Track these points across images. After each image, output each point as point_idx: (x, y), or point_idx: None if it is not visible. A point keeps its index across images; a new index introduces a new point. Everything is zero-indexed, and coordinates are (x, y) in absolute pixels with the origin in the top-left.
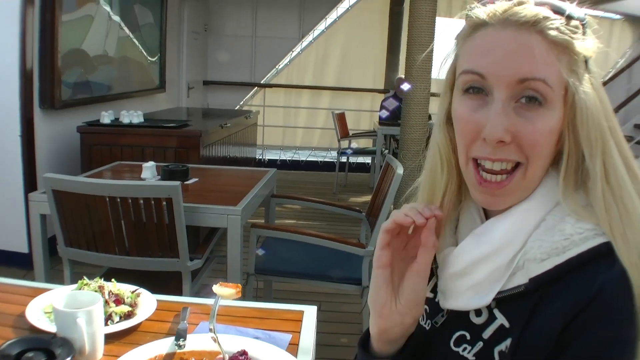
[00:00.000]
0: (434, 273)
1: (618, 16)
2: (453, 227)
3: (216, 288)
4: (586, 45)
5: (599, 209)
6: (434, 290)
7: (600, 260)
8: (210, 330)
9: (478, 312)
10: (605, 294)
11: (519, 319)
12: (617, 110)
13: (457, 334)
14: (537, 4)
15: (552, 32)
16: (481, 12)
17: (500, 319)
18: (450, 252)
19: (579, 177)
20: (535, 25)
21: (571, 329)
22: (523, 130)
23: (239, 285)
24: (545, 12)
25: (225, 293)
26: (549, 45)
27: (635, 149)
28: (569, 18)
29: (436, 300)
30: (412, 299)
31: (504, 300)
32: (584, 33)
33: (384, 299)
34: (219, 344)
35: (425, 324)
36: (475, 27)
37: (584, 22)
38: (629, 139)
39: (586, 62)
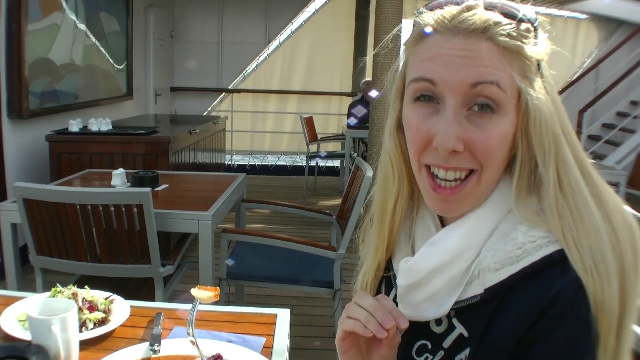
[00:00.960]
0: (392, 283)
1: (584, 16)
2: (407, 236)
3: (195, 291)
4: (538, 49)
5: (551, 215)
6: (395, 300)
7: (554, 267)
8: (189, 334)
9: (438, 321)
10: (561, 300)
11: (477, 329)
12: (584, 109)
13: (419, 343)
14: (487, 8)
15: (502, 39)
16: (429, 18)
17: (459, 329)
18: (405, 262)
19: (531, 182)
20: (484, 32)
21: (529, 337)
22: (476, 138)
23: (218, 288)
24: (495, 17)
25: (204, 296)
26: (500, 52)
27: (603, 147)
28: (520, 21)
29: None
30: None
31: (462, 310)
32: (535, 36)
33: None
34: (197, 347)
35: None
36: (423, 34)
37: (535, 24)
38: (597, 138)
39: (539, 65)
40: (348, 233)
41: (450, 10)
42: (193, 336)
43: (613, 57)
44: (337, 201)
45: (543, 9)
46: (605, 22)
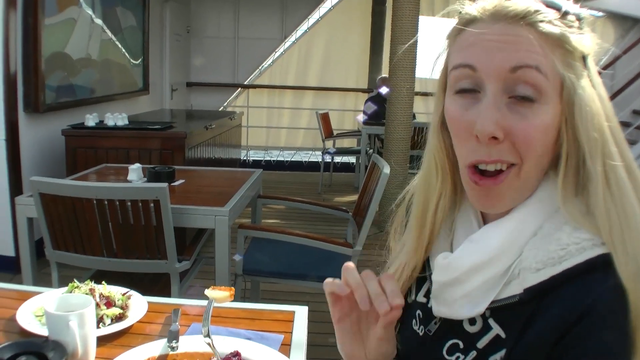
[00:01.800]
0: (427, 278)
1: (600, 14)
2: (448, 231)
3: (209, 292)
4: (583, 40)
5: (599, 215)
6: (427, 295)
7: (596, 272)
8: (205, 335)
9: (472, 321)
10: (599, 307)
11: (514, 330)
12: None
13: (450, 342)
14: None
15: (544, 25)
16: (471, 8)
17: (496, 329)
18: (444, 258)
19: (579, 180)
20: (525, 18)
21: (563, 343)
22: (516, 126)
23: (232, 288)
24: (536, 5)
25: (219, 296)
26: (542, 39)
27: None
28: (564, 13)
29: (429, 305)
30: (381, 353)
31: (498, 310)
32: (580, 28)
33: (350, 349)
34: (213, 348)
35: (418, 329)
36: (465, 23)
37: (580, 17)
38: None
39: (584, 59)
40: (365, 230)
41: (491, 0)
42: (209, 337)
43: (629, 55)
44: (353, 197)
45: None
46: (621, 20)
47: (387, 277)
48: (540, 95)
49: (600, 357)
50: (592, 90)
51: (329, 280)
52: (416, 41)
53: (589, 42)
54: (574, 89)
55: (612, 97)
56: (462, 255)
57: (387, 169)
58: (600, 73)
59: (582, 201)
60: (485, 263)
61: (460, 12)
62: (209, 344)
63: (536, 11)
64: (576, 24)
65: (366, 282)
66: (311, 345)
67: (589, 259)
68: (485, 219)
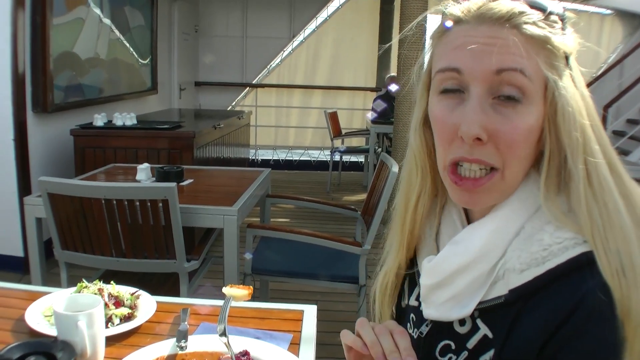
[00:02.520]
0: (417, 282)
1: (609, 11)
2: (433, 234)
3: (227, 289)
4: (566, 41)
5: (581, 214)
6: (419, 298)
7: (580, 270)
8: (220, 333)
9: (462, 322)
10: (586, 305)
11: (501, 330)
12: (609, 105)
13: (442, 343)
14: None
15: (528, 27)
16: (456, 9)
17: (484, 330)
18: (428, 261)
19: (561, 179)
20: (510, 20)
21: (554, 342)
22: (501, 128)
23: (250, 287)
24: (520, 6)
25: (238, 294)
26: (525, 40)
27: (628, 143)
28: (547, 13)
29: (420, 309)
30: None
31: (486, 310)
32: (563, 29)
33: None
34: (229, 347)
35: (413, 332)
36: (449, 24)
37: (563, 17)
38: (622, 133)
39: (567, 58)
40: (373, 229)
41: (476, 2)
42: (226, 335)
43: (637, 52)
44: (361, 196)
45: (568, 4)
46: (630, 18)
47: (401, 334)
48: (525, 97)
49: (591, 353)
50: (574, 89)
51: (345, 332)
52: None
53: (571, 41)
54: (557, 89)
55: (621, 94)
56: (446, 257)
57: (395, 168)
58: (608, 71)
59: (564, 200)
60: (468, 264)
61: (443, 13)
62: (225, 343)
63: (520, 13)
64: (559, 24)
65: (380, 339)
66: (320, 344)
67: (572, 258)
68: (469, 219)
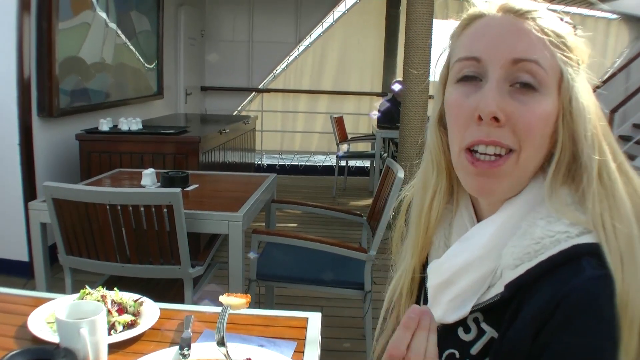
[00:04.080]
0: (424, 285)
1: (615, 16)
2: (444, 238)
3: (224, 298)
4: (579, 44)
5: (592, 205)
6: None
7: (572, 263)
8: (219, 343)
9: (466, 329)
10: (574, 298)
11: (503, 328)
12: (615, 109)
13: (447, 352)
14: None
15: (546, 22)
16: (480, 5)
17: (490, 332)
18: (435, 262)
19: (568, 172)
20: (530, 14)
21: (543, 335)
22: (517, 112)
23: (248, 295)
24: (540, 7)
25: (235, 303)
26: (543, 33)
27: (634, 148)
28: (561, 20)
29: None
30: None
31: (488, 312)
32: (575, 35)
33: None
34: (228, 356)
35: None
36: (470, 19)
37: (575, 27)
38: (628, 138)
39: (578, 63)
40: (379, 234)
41: (497, 1)
42: (224, 345)
43: None
44: (367, 202)
45: (574, 9)
46: (636, 22)
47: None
48: (541, 86)
49: (581, 347)
50: (588, 86)
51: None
52: (430, 44)
53: (583, 47)
54: (572, 83)
55: (627, 99)
56: (453, 254)
57: (401, 173)
58: (614, 75)
59: (568, 192)
60: (473, 262)
61: (468, 9)
62: (224, 353)
63: (539, 10)
64: (573, 31)
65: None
66: (325, 350)
67: (564, 250)
68: (478, 219)
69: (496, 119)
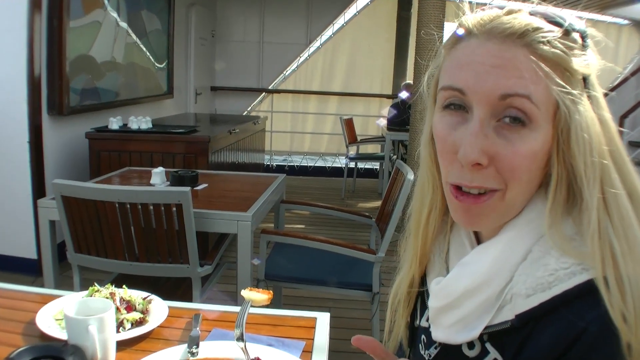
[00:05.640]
0: (426, 304)
1: (625, 22)
2: (443, 254)
3: (246, 293)
4: (584, 61)
5: (593, 245)
6: (429, 320)
7: (588, 297)
8: (238, 338)
9: (470, 345)
10: (589, 335)
11: (509, 354)
12: (625, 115)
13: None
14: (531, 13)
15: (542, 46)
16: (469, 20)
17: (494, 354)
18: (436, 284)
19: (570, 202)
20: (522, 38)
21: None
22: (502, 152)
23: (270, 292)
24: (536, 22)
25: (258, 298)
26: (537, 60)
27: None
28: (566, 30)
29: (430, 330)
30: None
31: (495, 335)
32: (583, 47)
33: None
34: (246, 352)
35: (424, 354)
36: (456, 40)
37: (585, 34)
38: (638, 144)
39: (585, 80)
40: (388, 236)
41: (490, 13)
42: (243, 340)
43: None
44: (376, 204)
45: (585, 14)
46: None
47: None
48: (530, 122)
49: None
50: (591, 113)
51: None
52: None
53: (591, 61)
54: (570, 114)
55: (638, 104)
56: (454, 279)
57: (411, 175)
58: (624, 81)
59: (571, 223)
60: (476, 288)
61: (458, 22)
62: (242, 347)
63: (535, 29)
64: (579, 42)
65: None
66: (332, 351)
67: (580, 284)
68: (478, 239)
69: (479, 164)
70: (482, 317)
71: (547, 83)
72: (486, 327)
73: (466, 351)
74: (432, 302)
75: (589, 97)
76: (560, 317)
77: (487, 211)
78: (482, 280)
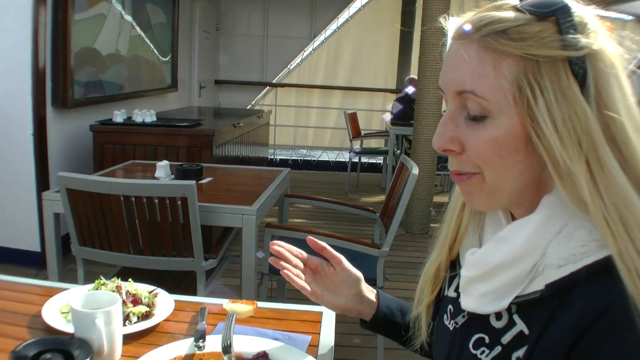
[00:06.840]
0: (457, 274)
1: (630, 17)
2: (476, 227)
3: (228, 305)
4: (559, 44)
5: (600, 223)
6: (458, 290)
7: (616, 270)
8: (225, 350)
9: (498, 316)
10: (615, 308)
11: (537, 327)
12: None
13: (476, 336)
14: (515, 7)
15: (492, 39)
16: (455, 22)
17: (520, 325)
18: (471, 254)
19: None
20: (477, 33)
21: (582, 344)
22: (469, 140)
23: (255, 302)
24: (495, 16)
25: (242, 310)
26: (485, 53)
27: None
28: (538, 17)
29: (459, 300)
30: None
31: (523, 306)
32: (560, 31)
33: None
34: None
35: (449, 324)
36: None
37: (563, 19)
38: None
39: (570, 62)
40: (392, 231)
41: (468, 14)
42: (230, 352)
43: None
44: (379, 198)
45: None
46: None
47: None
48: (489, 112)
49: (620, 357)
50: (567, 92)
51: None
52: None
53: (576, 42)
54: (535, 96)
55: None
56: (489, 252)
57: (415, 170)
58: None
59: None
60: (511, 261)
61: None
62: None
63: (488, 23)
64: (553, 27)
65: None
66: (336, 345)
67: (609, 256)
68: (513, 216)
69: (450, 150)
70: (512, 290)
71: (495, 73)
72: (516, 297)
73: (493, 322)
74: (465, 272)
75: (575, 75)
76: (589, 289)
77: (472, 190)
78: (518, 254)
